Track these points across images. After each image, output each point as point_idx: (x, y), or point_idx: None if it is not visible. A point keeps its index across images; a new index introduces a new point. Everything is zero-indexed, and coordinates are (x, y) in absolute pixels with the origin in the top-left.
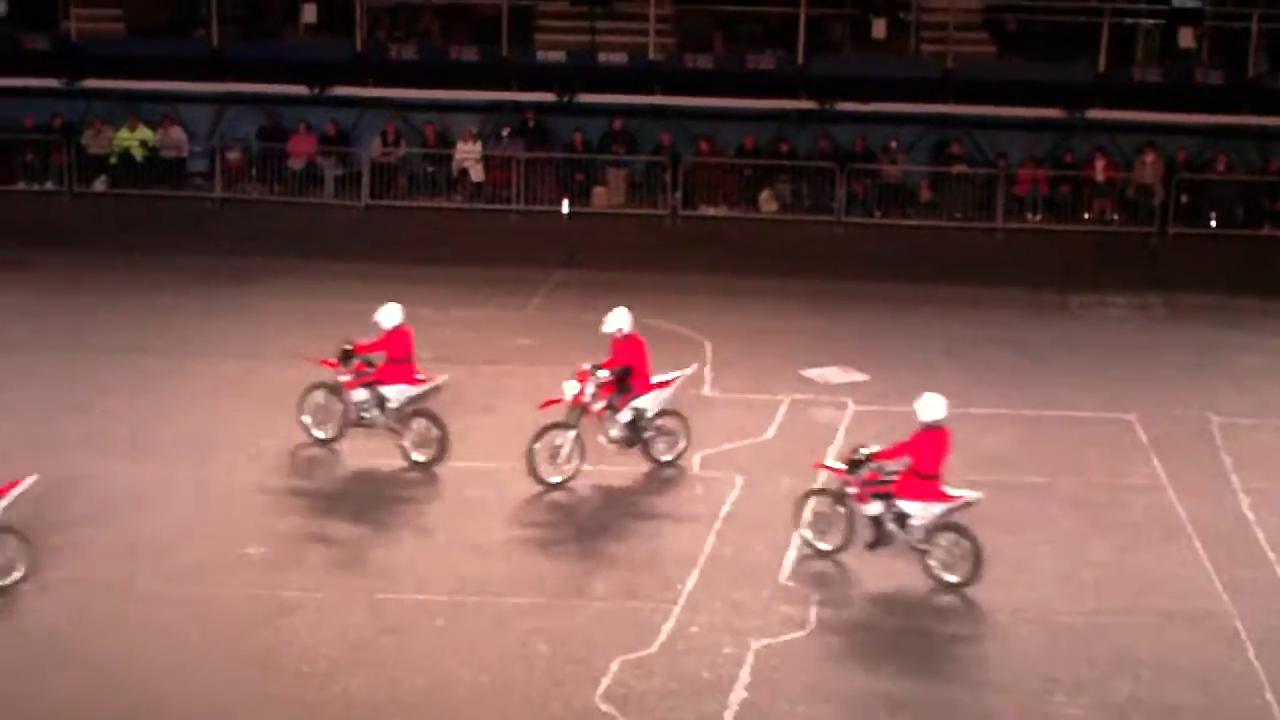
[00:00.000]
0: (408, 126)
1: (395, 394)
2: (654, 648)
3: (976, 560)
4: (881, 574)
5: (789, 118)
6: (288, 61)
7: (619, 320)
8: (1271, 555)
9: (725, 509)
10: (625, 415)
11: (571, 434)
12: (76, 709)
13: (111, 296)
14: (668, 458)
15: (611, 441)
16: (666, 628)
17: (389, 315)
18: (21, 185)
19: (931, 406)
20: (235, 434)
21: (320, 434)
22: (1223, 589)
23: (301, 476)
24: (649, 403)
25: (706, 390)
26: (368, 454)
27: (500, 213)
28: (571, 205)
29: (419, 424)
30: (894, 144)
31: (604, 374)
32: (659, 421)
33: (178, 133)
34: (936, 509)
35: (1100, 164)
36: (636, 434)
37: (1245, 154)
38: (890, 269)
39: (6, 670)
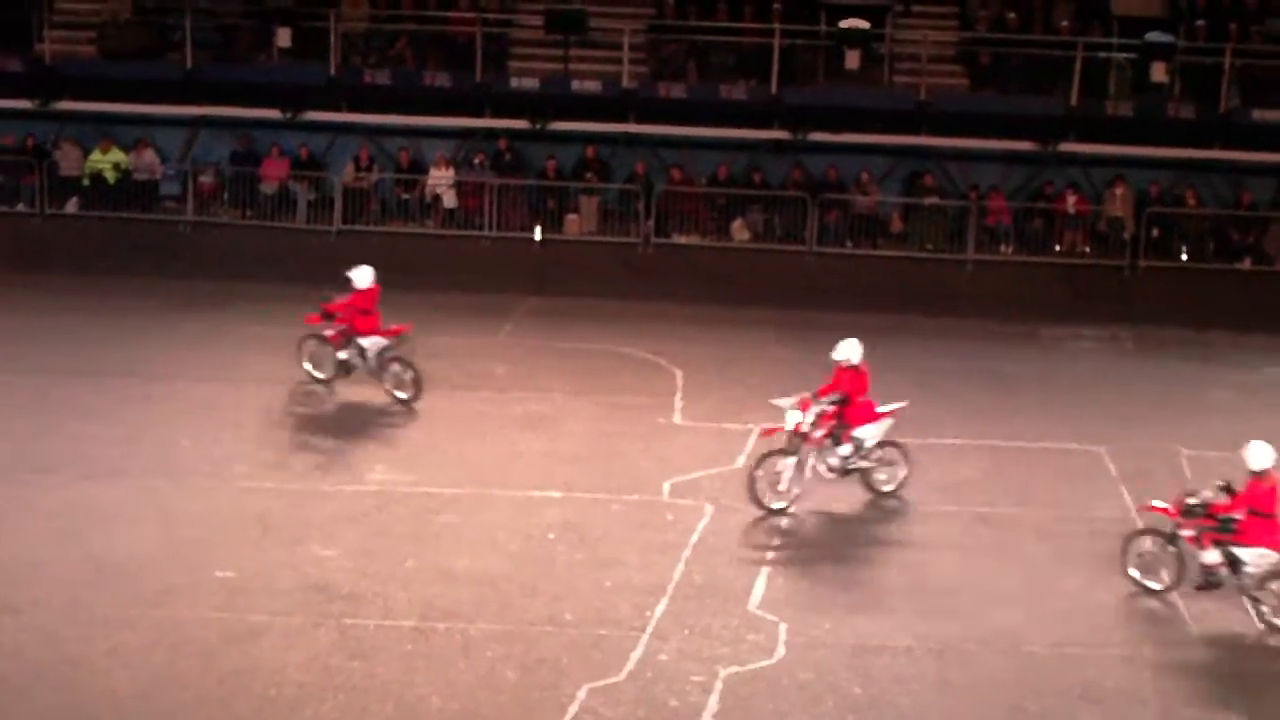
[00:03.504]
0: (380, 152)
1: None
2: (622, 675)
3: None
4: (853, 602)
5: (762, 147)
6: (261, 85)
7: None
8: None
9: (695, 537)
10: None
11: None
12: None
13: (82, 318)
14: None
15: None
16: (635, 655)
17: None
18: None
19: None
20: (204, 458)
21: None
22: (1190, 621)
23: (270, 499)
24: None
25: (677, 419)
26: (339, 479)
27: (473, 239)
28: (544, 232)
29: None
30: (865, 175)
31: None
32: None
33: (150, 155)
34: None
35: (1072, 197)
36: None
37: (1217, 188)
38: (861, 299)
39: None
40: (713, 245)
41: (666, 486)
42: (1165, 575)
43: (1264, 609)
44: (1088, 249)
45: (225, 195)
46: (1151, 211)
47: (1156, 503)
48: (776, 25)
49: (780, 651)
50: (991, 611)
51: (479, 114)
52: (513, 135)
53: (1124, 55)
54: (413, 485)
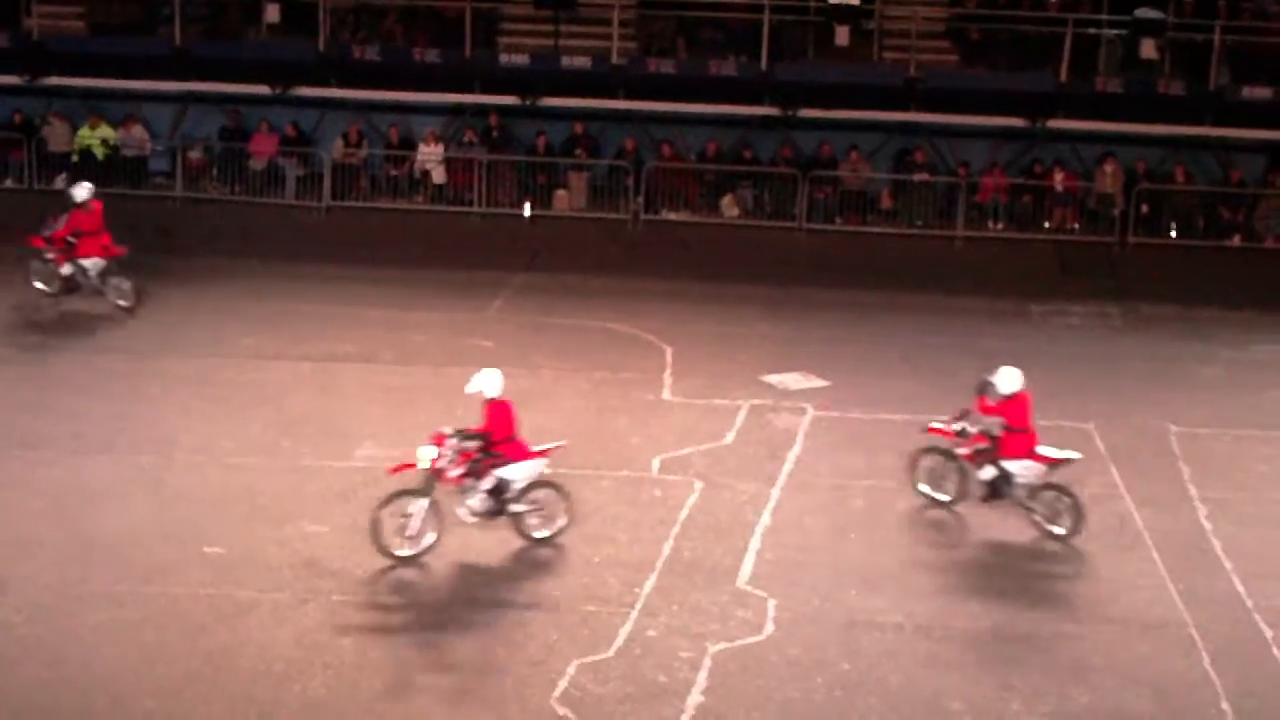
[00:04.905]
0: (370, 128)
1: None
2: (611, 651)
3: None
4: (842, 579)
5: (751, 124)
6: (250, 61)
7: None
8: (1228, 565)
9: (684, 513)
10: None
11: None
12: (31, 707)
13: (70, 295)
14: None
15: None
16: (624, 631)
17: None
18: None
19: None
20: (193, 434)
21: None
22: (1179, 598)
23: (259, 476)
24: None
25: (666, 395)
26: (327, 456)
27: (462, 215)
28: (533, 208)
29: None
30: (855, 152)
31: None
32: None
33: (139, 131)
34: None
35: (1061, 174)
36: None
37: (1206, 165)
38: (851, 276)
39: None
40: (702, 221)
41: (656, 463)
42: (950, 489)
43: (1037, 517)
44: (1077, 225)
45: (214, 171)
46: (1141, 188)
47: (935, 424)
48: (766, 1)
49: (769, 628)
50: (981, 588)
51: (468, 90)
52: (502, 111)
53: (1114, 32)
54: (401, 461)
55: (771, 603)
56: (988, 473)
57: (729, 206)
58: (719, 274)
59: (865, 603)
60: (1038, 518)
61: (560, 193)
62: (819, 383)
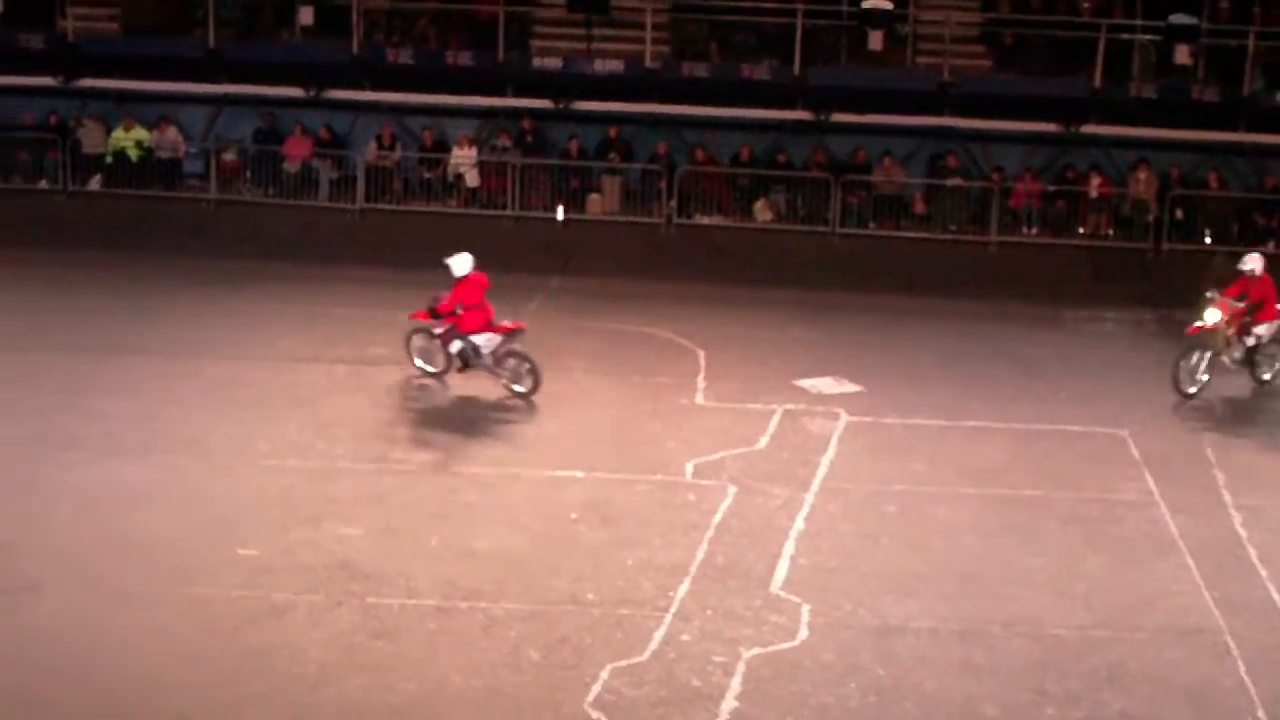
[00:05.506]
0: (403, 131)
1: (485, 342)
2: (645, 655)
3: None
4: (876, 584)
5: (784, 128)
6: (284, 63)
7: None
8: (1263, 572)
9: (717, 518)
10: (1249, 340)
11: (1207, 354)
12: (66, 708)
13: (104, 297)
14: (1267, 377)
15: (458, 357)
16: (658, 635)
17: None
18: (18, 182)
19: (460, 263)
20: (227, 436)
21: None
22: (1214, 605)
23: (293, 478)
24: (483, 341)
25: (699, 399)
26: (361, 458)
27: (495, 218)
28: (566, 212)
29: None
30: (888, 157)
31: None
32: (510, 363)
33: (173, 133)
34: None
35: (1095, 179)
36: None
37: (1240, 171)
38: (884, 280)
39: None
40: (735, 226)
41: (689, 467)
42: (439, 362)
43: (504, 380)
44: (1111, 231)
45: (248, 173)
46: (1175, 194)
47: (418, 310)
48: (799, 5)
49: (803, 633)
50: (1015, 594)
51: (502, 93)
52: (535, 115)
53: (1147, 37)
54: (435, 464)
55: (805, 608)
56: (455, 346)
57: (762, 211)
58: (752, 278)
59: (899, 608)
60: (504, 380)
61: (593, 196)
62: (852, 387)
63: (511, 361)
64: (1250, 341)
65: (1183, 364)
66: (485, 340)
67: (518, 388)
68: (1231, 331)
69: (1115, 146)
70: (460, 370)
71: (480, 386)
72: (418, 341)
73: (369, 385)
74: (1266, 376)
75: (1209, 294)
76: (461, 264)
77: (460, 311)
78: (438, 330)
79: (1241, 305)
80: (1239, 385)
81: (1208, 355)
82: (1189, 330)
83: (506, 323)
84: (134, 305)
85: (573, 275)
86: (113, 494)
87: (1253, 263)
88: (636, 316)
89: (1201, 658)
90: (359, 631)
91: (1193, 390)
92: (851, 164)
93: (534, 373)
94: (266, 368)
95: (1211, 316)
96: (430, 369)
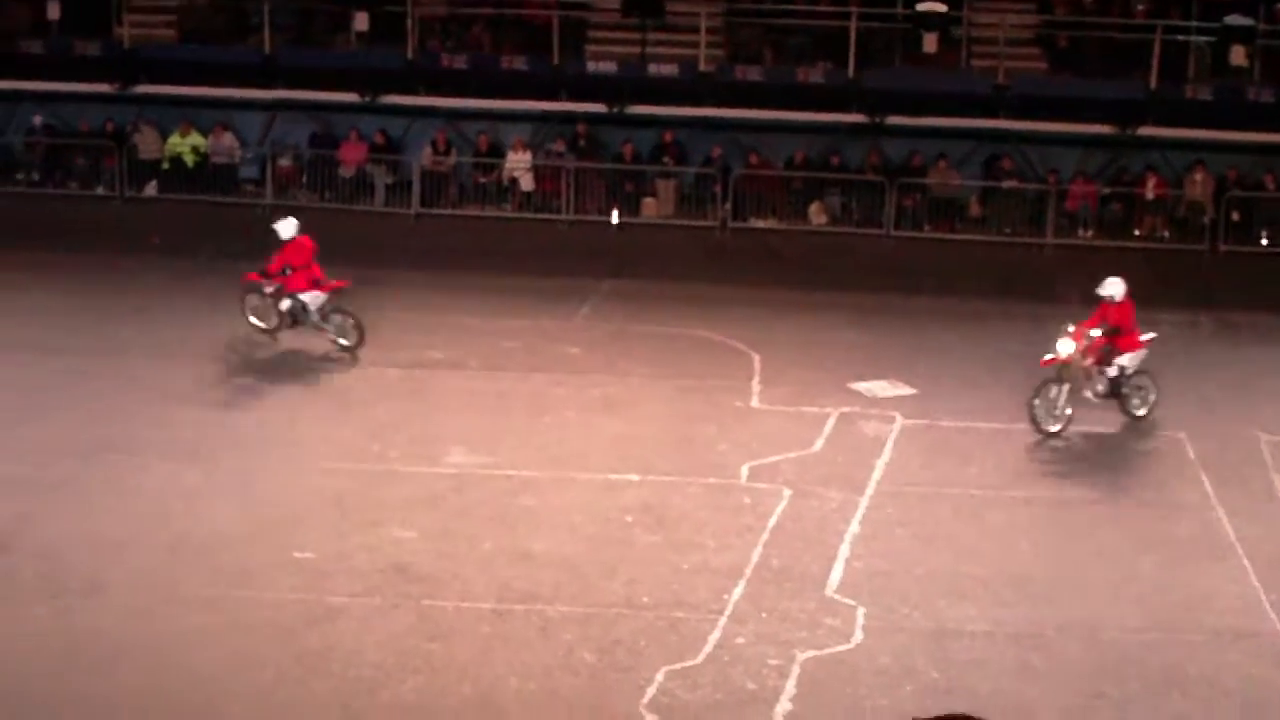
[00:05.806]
0: (458, 135)
1: (311, 300)
2: (700, 658)
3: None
4: (931, 587)
5: (839, 131)
6: (339, 69)
7: (1112, 287)
8: None
9: (773, 520)
10: (1111, 371)
11: (1065, 388)
12: (123, 711)
13: (161, 301)
14: (1141, 412)
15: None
16: (713, 638)
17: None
18: (75, 188)
19: (286, 227)
20: (283, 439)
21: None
22: (1270, 608)
23: (348, 481)
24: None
25: (755, 402)
26: (417, 461)
27: (550, 222)
28: (621, 216)
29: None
30: (943, 159)
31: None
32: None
33: (229, 139)
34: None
35: (1151, 181)
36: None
37: None
38: (939, 283)
39: (56, 671)
40: (790, 229)
41: (744, 470)
42: (272, 320)
43: (330, 335)
44: (1167, 233)
45: (304, 178)
46: (1231, 196)
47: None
48: (854, 8)
49: (858, 636)
50: (1070, 597)
51: (556, 98)
52: (590, 119)
53: (1203, 38)
54: (491, 467)
55: (860, 611)
56: (285, 304)
57: (817, 214)
58: (806, 281)
59: (954, 611)
60: (331, 335)
61: (648, 200)
62: (907, 391)
63: (337, 318)
64: (1112, 373)
65: (1039, 400)
66: (312, 298)
67: (343, 341)
68: (1089, 363)
69: (1171, 148)
70: (290, 326)
71: (532, 388)
72: (252, 300)
73: (424, 388)
74: (1140, 412)
75: (1066, 327)
76: (287, 228)
77: (289, 272)
78: (269, 289)
79: (1099, 335)
80: None
81: (1065, 389)
82: (1041, 363)
83: (332, 281)
84: (189, 310)
85: (627, 278)
86: (171, 497)
87: (1112, 288)
88: (691, 320)
89: (1258, 661)
90: (414, 634)
91: (1055, 428)
92: (906, 167)
93: (359, 328)
94: (321, 371)
95: (1065, 348)
96: (263, 325)
